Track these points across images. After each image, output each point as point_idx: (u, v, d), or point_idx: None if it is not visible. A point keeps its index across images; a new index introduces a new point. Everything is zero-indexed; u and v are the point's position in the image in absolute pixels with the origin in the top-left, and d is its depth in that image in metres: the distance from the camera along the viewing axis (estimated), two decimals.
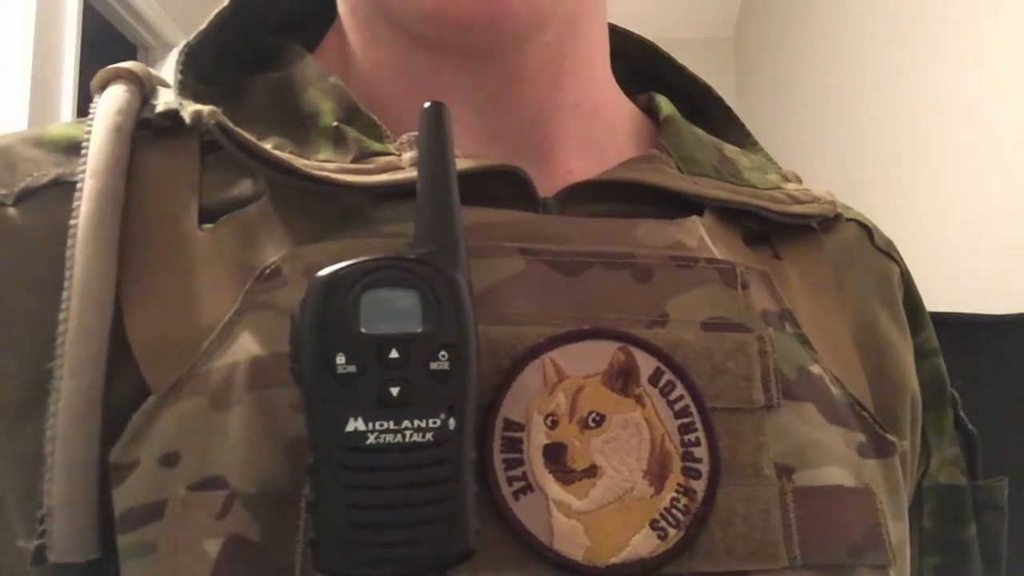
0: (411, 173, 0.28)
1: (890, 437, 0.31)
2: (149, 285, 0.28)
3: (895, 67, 1.86)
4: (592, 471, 0.26)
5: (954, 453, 0.40)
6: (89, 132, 0.31)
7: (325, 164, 0.29)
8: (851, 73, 2.11)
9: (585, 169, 0.33)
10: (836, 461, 0.29)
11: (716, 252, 0.31)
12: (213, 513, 0.24)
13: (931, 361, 0.43)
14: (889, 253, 0.40)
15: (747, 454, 0.28)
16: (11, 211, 0.29)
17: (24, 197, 0.30)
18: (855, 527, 0.28)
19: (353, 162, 0.30)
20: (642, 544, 0.25)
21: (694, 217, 0.32)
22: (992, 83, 1.48)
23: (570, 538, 0.25)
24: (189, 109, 0.31)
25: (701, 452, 0.27)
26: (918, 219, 1.73)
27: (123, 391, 0.26)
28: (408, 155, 0.30)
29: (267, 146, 0.29)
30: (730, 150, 0.38)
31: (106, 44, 2.38)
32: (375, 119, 0.31)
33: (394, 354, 0.23)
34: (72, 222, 0.28)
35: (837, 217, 0.38)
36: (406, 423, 0.23)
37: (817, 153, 2.34)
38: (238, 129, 0.29)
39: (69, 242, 0.27)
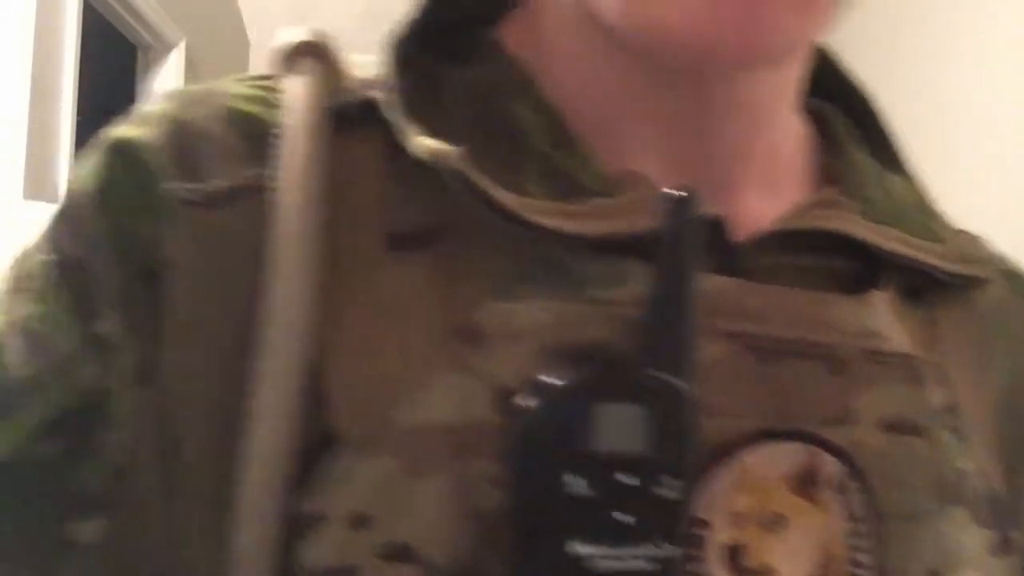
0: (627, 222, 0.26)
1: (1015, 536, 0.30)
2: (345, 321, 0.25)
3: (894, 67, 1.86)
4: (767, 572, 0.25)
5: None
6: (281, 124, 0.26)
7: (537, 203, 0.25)
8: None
9: (762, 209, 0.29)
10: (974, 565, 0.28)
11: (899, 338, 0.29)
12: None
13: None
14: None
15: (908, 562, 0.27)
16: (203, 213, 0.26)
17: (217, 200, 0.26)
18: None
19: (561, 200, 0.26)
20: None
21: (878, 295, 0.29)
22: (992, 83, 1.48)
23: None
24: (425, 144, 0.25)
25: (868, 559, 0.26)
26: None
27: (310, 433, 0.24)
28: (624, 199, 0.26)
29: (483, 177, 0.25)
30: (895, 185, 0.35)
31: (106, 44, 2.38)
32: (589, 149, 0.28)
33: (624, 477, 0.22)
34: (271, 239, 0.25)
35: None
36: (630, 549, 0.22)
37: None
38: (484, 182, 0.25)
39: (268, 266, 0.24)
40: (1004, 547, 0.29)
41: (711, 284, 0.26)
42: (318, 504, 0.23)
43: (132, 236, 0.26)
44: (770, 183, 0.31)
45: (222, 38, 2.95)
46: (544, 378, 0.22)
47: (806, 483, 0.26)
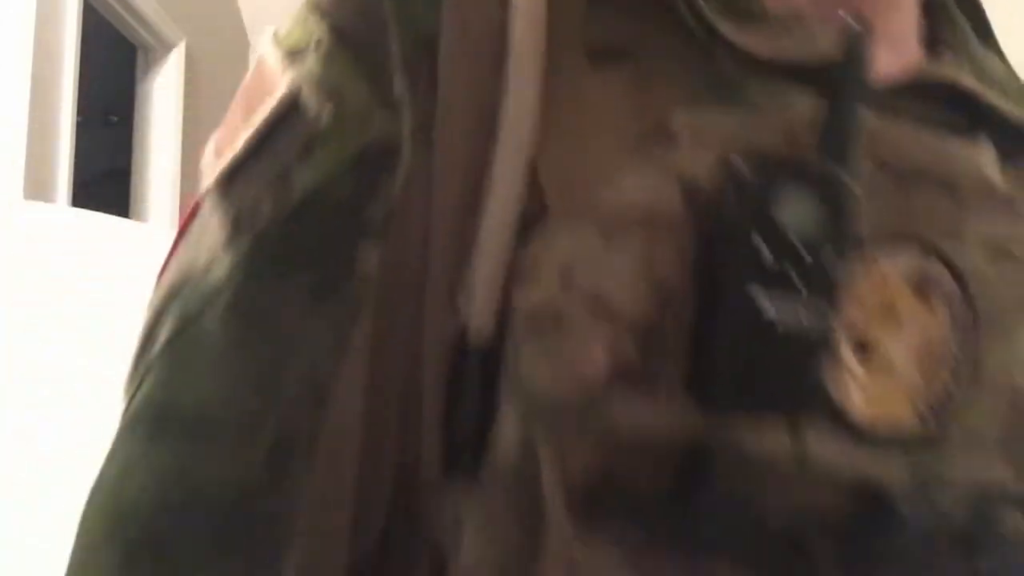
0: (807, 49, 0.30)
1: None
2: (554, 123, 0.28)
3: None
4: (884, 361, 0.28)
5: None
6: None
7: (728, 24, 0.30)
8: None
9: (888, 57, 0.31)
10: None
11: (1001, 182, 0.32)
12: (602, 334, 0.26)
13: None
14: None
15: (998, 370, 0.29)
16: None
17: None
18: None
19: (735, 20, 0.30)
20: (903, 420, 0.28)
21: (985, 142, 0.32)
22: None
23: (846, 391, 0.28)
24: None
25: (966, 364, 0.29)
26: None
27: (525, 210, 0.27)
28: (802, 28, 0.30)
29: None
30: (989, 54, 0.39)
31: (106, 44, 2.38)
32: None
33: (800, 245, 0.26)
34: (511, 35, 0.28)
35: None
36: (801, 308, 0.26)
37: None
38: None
39: (509, 60, 0.28)
40: None
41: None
42: (533, 259, 0.26)
43: (412, 12, 0.29)
44: (893, 33, 0.33)
45: (222, 38, 2.96)
46: (736, 162, 0.26)
47: (921, 286, 0.29)
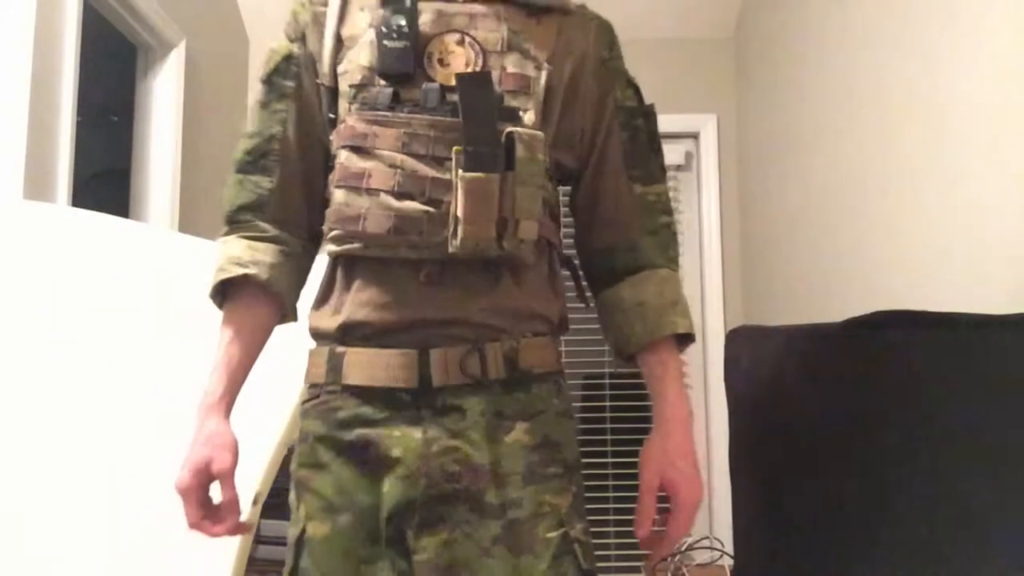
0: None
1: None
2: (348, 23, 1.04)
3: (895, 67, 1.86)
4: (446, 61, 0.99)
5: None
6: None
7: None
8: (851, 73, 2.11)
9: None
10: None
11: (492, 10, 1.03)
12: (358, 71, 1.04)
13: None
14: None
15: None
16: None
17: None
18: None
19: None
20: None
21: (539, 18, 1.04)
22: (994, 82, 1.48)
23: (436, 71, 1.01)
24: None
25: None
26: (918, 219, 1.73)
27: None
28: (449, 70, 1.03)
29: None
30: None
31: (106, 44, 2.38)
32: None
33: (404, 27, 1.00)
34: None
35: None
36: (407, 42, 1.00)
37: (817, 153, 2.34)
38: None
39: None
40: None
41: (438, 3, 1.03)
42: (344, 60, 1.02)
43: (302, 22, 1.08)
44: None
45: (222, 38, 2.95)
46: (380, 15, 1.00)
47: (460, 42, 0.98)
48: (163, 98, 2.53)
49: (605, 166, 1.04)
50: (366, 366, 0.92)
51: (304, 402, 0.98)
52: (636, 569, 2.63)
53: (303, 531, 0.93)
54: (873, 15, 1.98)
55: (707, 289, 3.06)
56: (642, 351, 1.01)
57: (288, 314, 1.04)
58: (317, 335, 0.99)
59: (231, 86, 3.02)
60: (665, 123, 3.12)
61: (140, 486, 1.41)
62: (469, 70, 0.93)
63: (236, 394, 0.99)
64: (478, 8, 0.98)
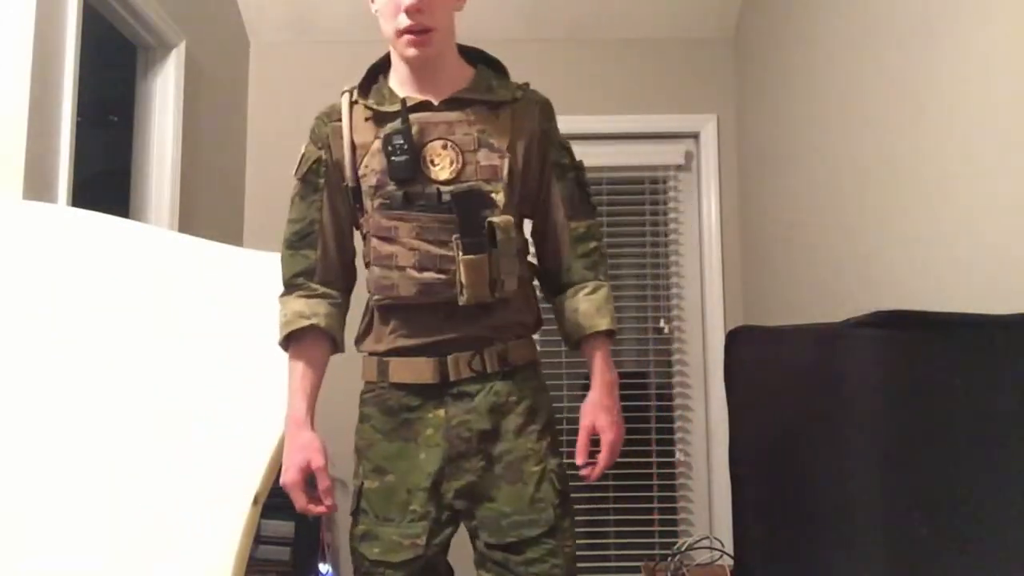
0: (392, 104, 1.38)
1: None
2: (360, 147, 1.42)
3: (895, 66, 1.86)
4: (437, 162, 1.35)
5: None
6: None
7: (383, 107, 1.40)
8: (851, 73, 2.11)
9: (435, 95, 1.38)
10: None
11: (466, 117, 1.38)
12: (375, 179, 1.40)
13: None
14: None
15: None
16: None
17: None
18: None
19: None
20: (449, 176, 1.35)
21: (466, 111, 1.39)
22: (994, 82, 1.48)
23: (432, 172, 1.36)
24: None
25: (462, 161, 1.38)
26: (918, 218, 1.73)
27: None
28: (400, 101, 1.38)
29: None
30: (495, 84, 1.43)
31: (106, 44, 2.38)
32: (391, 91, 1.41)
33: (404, 144, 1.36)
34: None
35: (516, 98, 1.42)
36: (408, 157, 1.35)
37: (817, 152, 2.34)
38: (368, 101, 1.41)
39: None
40: None
41: (423, 115, 1.36)
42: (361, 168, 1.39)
43: (321, 134, 1.42)
44: (443, 90, 1.38)
45: (222, 38, 2.95)
46: (388, 132, 1.35)
47: (444, 146, 1.35)
48: (163, 98, 2.53)
49: (548, 210, 1.46)
50: (404, 370, 1.35)
51: (363, 394, 1.41)
52: (636, 569, 2.63)
53: (362, 484, 1.36)
54: (873, 15, 1.98)
55: (707, 289, 3.06)
56: (582, 342, 1.42)
57: (338, 348, 1.42)
58: (367, 353, 1.43)
59: (231, 86, 3.02)
60: (665, 123, 3.14)
61: (140, 486, 1.41)
62: (453, 168, 1.34)
63: (314, 410, 1.36)
64: (452, 116, 1.36)
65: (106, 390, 1.50)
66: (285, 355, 1.38)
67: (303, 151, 1.42)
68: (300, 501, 1.32)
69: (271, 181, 3.10)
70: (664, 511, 3.01)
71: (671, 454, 3.05)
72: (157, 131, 2.51)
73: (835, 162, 2.20)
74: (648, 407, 3.06)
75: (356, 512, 1.37)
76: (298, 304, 1.37)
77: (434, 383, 1.34)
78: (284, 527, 2.52)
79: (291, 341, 1.38)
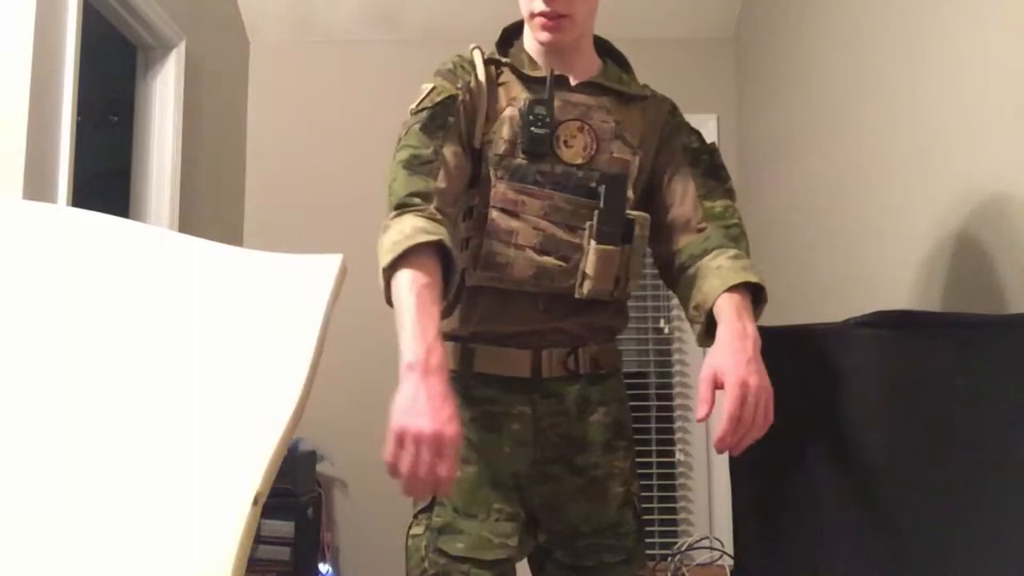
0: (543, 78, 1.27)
1: None
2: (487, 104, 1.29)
3: (895, 66, 1.86)
4: (571, 143, 1.27)
5: None
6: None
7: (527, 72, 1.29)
8: (851, 72, 2.11)
9: (575, 75, 1.30)
10: None
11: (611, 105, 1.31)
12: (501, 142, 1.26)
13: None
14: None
15: None
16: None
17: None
18: None
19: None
20: (580, 159, 1.27)
21: (604, 96, 1.29)
22: (994, 82, 1.48)
23: (563, 152, 1.27)
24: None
25: (596, 145, 1.28)
26: (918, 218, 1.73)
27: None
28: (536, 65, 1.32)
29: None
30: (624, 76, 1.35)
31: (106, 44, 2.38)
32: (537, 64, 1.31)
33: (544, 119, 1.25)
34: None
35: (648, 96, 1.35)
36: (547, 129, 1.24)
37: (817, 152, 2.34)
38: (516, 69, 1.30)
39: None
40: None
41: (562, 93, 1.25)
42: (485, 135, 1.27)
43: (462, 76, 1.26)
44: (578, 72, 1.29)
45: (222, 38, 2.95)
46: (524, 103, 1.25)
47: (581, 128, 1.27)
48: (163, 98, 2.53)
49: (677, 197, 1.29)
50: (494, 360, 1.23)
51: None
52: None
53: None
54: (873, 15, 1.98)
55: None
56: (718, 303, 1.15)
57: (448, 289, 1.13)
58: (447, 336, 1.22)
59: (231, 86, 3.02)
60: None
61: (140, 486, 1.41)
62: (587, 153, 1.23)
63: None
64: (591, 100, 1.26)
65: (105, 390, 1.50)
66: (285, 355, 1.38)
67: (431, 86, 1.23)
68: (445, 466, 0.95)
69: (271, 181, 3.10)
70: (664, 511, 3.01)
71: (671, 454, 3.05)
72: (157, 131, 2.51)
73: (835, 162, 2.20)
74: (648, 407, 3.06)
75: (431, 503, 1.21)
76: (418, 222, 1.11)
77: (524, 377, 1.22)
78: (284, 527, 2.52)
79: (403, 263, 1.07)
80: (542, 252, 1.19)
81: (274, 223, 3.07)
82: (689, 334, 3.08)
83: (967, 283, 1.54)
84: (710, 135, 3.08)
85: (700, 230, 1.26)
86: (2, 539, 1.39)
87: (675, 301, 3.08)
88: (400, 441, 0.96)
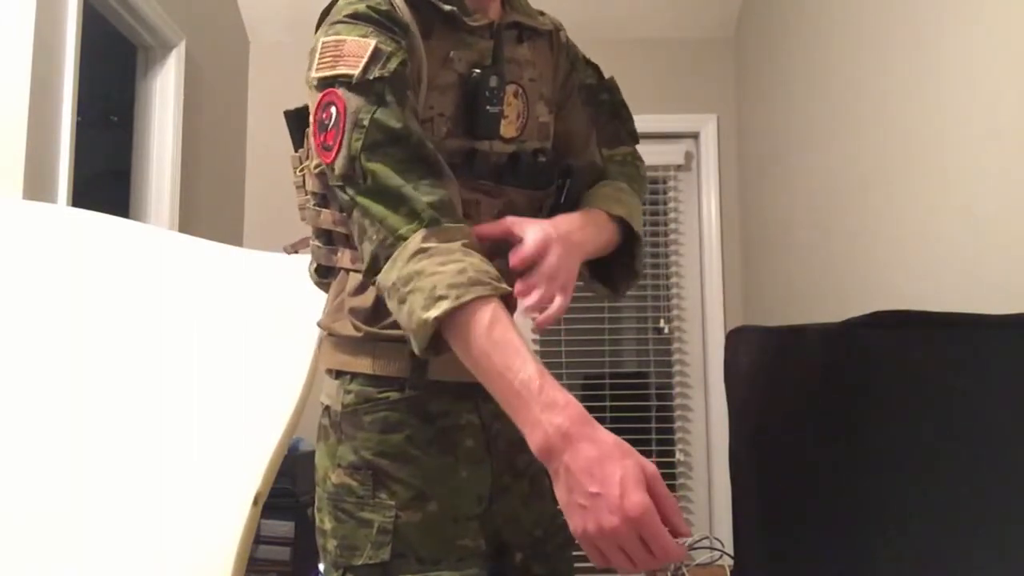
0: (481, 20, 0.99)
1: None
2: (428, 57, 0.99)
3: (895, 66, 1.86)
4: (508, 119, 1.02)
5: None
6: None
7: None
8: (851, 73, 2.11)
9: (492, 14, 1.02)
10: None
11: (528, 51, 1.06)
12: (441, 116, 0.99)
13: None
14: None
15: None
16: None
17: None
18: None
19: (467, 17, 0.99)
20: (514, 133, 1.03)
21: (521, 38, 1.06)
22: (994, 82, 1.48)
23: (500, 128, 1.01)
24: None
25: (525, 115, 1.05)
26: (918, 218, 1.73)
27: None
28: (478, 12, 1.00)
29: None
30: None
31: (106, 44, 2.38)
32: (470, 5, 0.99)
33: (495, 87, 0.98)
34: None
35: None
36: (498, 104, 0.99)
37: (817, 152, 2.34)
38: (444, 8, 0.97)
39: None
40: None
41: (509, 51, 1.03)
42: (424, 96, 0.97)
43: (398, 19, 0.93)
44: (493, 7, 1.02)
45: (222, 38, 2.95)
46: (471, 69, 0.97)
47: (516, 93, 1.02)
48: (163, 98, 2.53)
49: (575, 144, 1.13)
50: (448, 363, 0.91)
51: (377, 393, 1.01)
52: None
53: (395, 519, 0.97)
54: (873, 15, 1.98)
55: (707, 289, 3.06)
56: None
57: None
58: (396, 339, 0.99)
59: (231, 86, 3.02)
60: (665, 123, 3.15)
61: (140, 486, 1.41)
62: (519, 123, 1.02)
63: None
64: (521, 51, 1.04)
65: (105, 390, 1.50)
66: (285, 355, 1.37)
67: (372, 44, 0.88)
68: (663, 544, 0.73)
69: (271, 181, 3.10)
70: None
71: (671, 454, 3.05)
72: (157, 131, 2.51)
73: (835, 162, 2.20)
74: (648, 407, 3.06)
75: (390, 559, 0.96)
76: (475, 258, 0.85)
77: (472, 382, 0.89)
78: (284, 527, 2.53)
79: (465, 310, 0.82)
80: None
81: (274, 223, 3.07)
82: (689, 334, 3.09)
83: (967, 283, 1.54)
84: (710, 135, 3.10)
85: (598, 179, 1.10)
86: (3, 539, 1.39)
87: (675, 301, 3.09)
88: (597, 549, 0.75)
